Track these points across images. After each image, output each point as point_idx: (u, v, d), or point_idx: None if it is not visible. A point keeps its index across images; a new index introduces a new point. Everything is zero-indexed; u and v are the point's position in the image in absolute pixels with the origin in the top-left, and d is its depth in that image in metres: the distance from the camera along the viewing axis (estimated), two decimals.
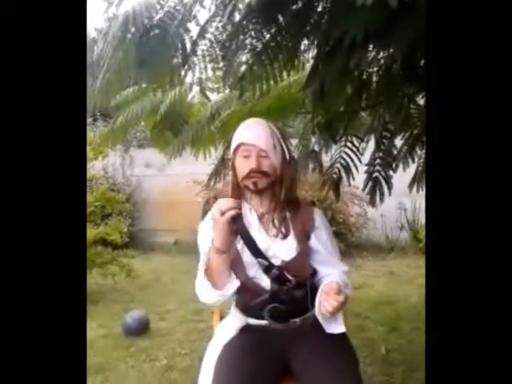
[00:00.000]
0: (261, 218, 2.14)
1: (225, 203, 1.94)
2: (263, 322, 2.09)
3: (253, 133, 2.08)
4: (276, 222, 2.11)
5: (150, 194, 10.23)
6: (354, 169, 3.35)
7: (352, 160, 3.35)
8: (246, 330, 2.11)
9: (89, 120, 10.11)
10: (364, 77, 2.75)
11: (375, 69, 2.76)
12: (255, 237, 2.08)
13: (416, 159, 3.38)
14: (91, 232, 5.81)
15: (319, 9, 2.37)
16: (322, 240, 2.16)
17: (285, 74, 2.69)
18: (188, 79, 2.86)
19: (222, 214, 1.90)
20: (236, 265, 2.07)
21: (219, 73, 2.84)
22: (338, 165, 3.38)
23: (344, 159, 3.37)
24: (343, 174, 3.38)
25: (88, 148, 5.84)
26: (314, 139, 3.43)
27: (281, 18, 2.37)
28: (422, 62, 2.44)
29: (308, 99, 3.12)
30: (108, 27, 2.38)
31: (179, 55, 2.54)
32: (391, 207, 7.90)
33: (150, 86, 3.29)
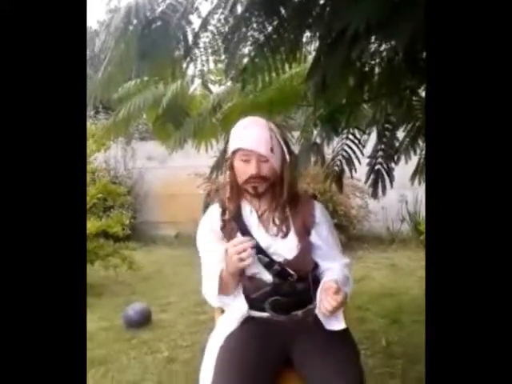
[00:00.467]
0: (260, 216, 2.14)
1: (242, 247, 1.91)
2: (265, 314, 2.10)
3: (252, 137, 2.05)
4: (276, 220, 2.11)
5: (151, 186, 10.21)
6: (356, 161, 3.35)
7: (354, 152, 3.35)
8: (247, 322, 2.11)
9: (91, 113, 10.10)
10: (366, 69, 2.75)
11: (377, 61, 2.76)
12: (255, 235, 2.08)
13: (418, 151, 3.38)
14: (93, 224, 5.82)
15: (321, 1, 2.37)
16: (322, 235, 2.16)
17: (287, 66, 2.69)
18: (190, 71, 2.86)
19: (241, 259, 1.90)
20: None
21: (221, 65, 2.84)
22: (340, 157, 3.39)
23: (346, 151, 3.37)
24: (345, 167, 3.38)
25: (90, 140, 5.84)
26: (315, 131, 3.42)
27: (283, 11, 2.37)
28: (424, 54, 2.44)
29: (310, 91, 3.12)
30: (110, 19, 2.38)
31: (181, 47, 2.53)
32: (393, 199, 7.90)
33: (151, 79, 3.28)
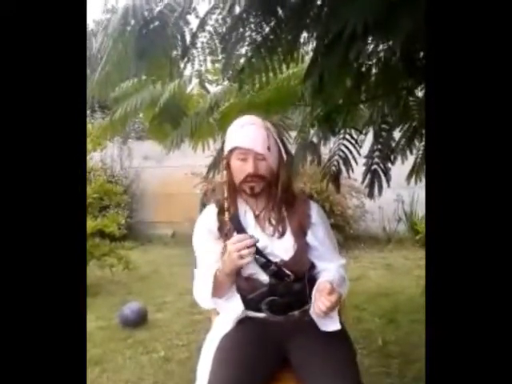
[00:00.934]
0: (257, 216, 2.14)
1: (244, 245, 1.90)
2: (261, 315, 2.10)
3: (249, 136, 2.05)
4: (273, 220, 2.11)
5: (148, 185, 10.21)
6: (352, 161, 3.36)
7: (351, 152, 3.36)
8: (244, 322, 2.11)
9: (87, 112, 10.10)
10: (363, 69, 2.75)
11: (374, 61, 2.76)
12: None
13: (414, 151, 3.40)
14: (89, 224, 5.80)
15: (318, 2, 2.37)
16: (319, 236, 2.16)
17: (284, 66, 2.69)
18: (187, 71, 2.86)
19: (241, 257, 1.89)
20: None
21: (218, 65, 2.84)
22: (337, 157, 3.39)
23: (343, 151, 3.37)
24: (342, 167, 3.38)
25: (87, 139, 5.84)
26: (312, 131, 3.43)
27: (280, 11, 2.37)
28: (421, 54, 2.45)
29: (307, 92, 3.12)
30: (108, 19, 2.39)
31: (179, 47, 2.54)
32: (389, 199, 7.92)
33: (149, 79, 3.28)
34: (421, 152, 3.46)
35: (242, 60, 2.54)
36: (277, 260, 2.06)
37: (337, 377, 1.87)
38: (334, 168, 3.40)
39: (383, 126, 3.31)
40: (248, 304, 2.10)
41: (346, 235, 8.02)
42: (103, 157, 9.73)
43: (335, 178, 3.46)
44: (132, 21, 2.31)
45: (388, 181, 3.32)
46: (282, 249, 2.09)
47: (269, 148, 2.04)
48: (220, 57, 2.58)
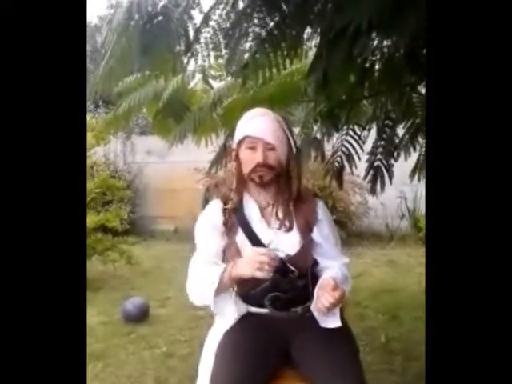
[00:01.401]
0: (263, 210, 2.13)
1: (268, 259, 1.85)
2: (264, 311, 2.09)
3: (259, 125, 2.06)
4: (280, 214, 2.10)
5: (150, 181, 10.21)
6: (355, 157, 3.35)
7: (354, 148, 3.36)
8: (246, 318, 2.10)
9: (91, 107, 10.12)
10: (367, 65, 2.75)
11: (378, 57, 2.76)
12: (257, 230, 2.08)
13: (417, 148, 3.39)
14: (92, 219, 5.82)
15: None
16: (324, 233, 2.16)
17: (288, 62, 2.68)
18: (191, 66, 2.86)
19: (260, 269, 1.84)
20: (235, 259, 2.07)
21: (222, 60, 2.84)
22: (340, 153, 3.39)
23: (346, 147, 3.37)
24: (345, 163, 3.38)
25: (90, 134, 5.84)
26: (316, 127, 3.43)
27: (284, 6, 2.37)
28: (425, 50, 2.44)
29: (310, 87, 3.12)
30: (112, 14, 2.39)
31: (182, 42, 2.54)
32: (392, 196, 7.90)
33: (152, 74, 3.28)
34: (424, 149, 3.45)
35: (246, 55, 2.54)
36: (282, 255, 2.06)
37: (339, 374, 1.87)
38: (337, 164, 3.40)
39: (386, 122, 3.30)
40: (250, 299, 2.10)
41: (349, 232, 8.02)
42: (106, 152, 9.74)
43: (338, 175, 3.46)
44: (136, 15, 2.31)
45: (391, 177, 3.32)
46: (288, 243, 2.08)
47: (280, 140, 2.04)
48: (223, 52, 2.58)
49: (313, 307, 2.00)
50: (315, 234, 2.14)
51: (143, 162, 10.29)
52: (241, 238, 2.08)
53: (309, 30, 2.61)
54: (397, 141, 3.30)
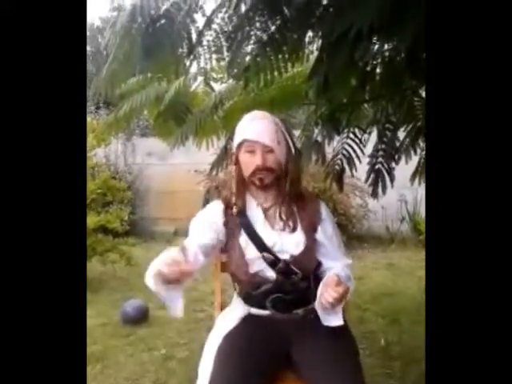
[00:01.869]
0: (266, 212, 2.14)
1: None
2: (265, 312, 2.10)
3: (257, 128, 2.06)
4: (283, 215, 2.10)
5: (151, 182, 10.20)
6: (356, 160, 3.36)
7: (355, 151, 3.36)
8: (247, 319, 2.12)
9: (92, 108, 10.11)
10: (368, 69, 2.76)
11: (379, 61, 2.77)
12: (260, 232, 2.08)
13: (418, 151, 3.39)
14: (92, 219, 5.81)
15: (324, 1, 2.38)
16: (328, 233, 2.17)
17: (289, 65, 2.69)
18: (193, 69, 2.87)
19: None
20: (238, 263, 2.09)
21: (223, 63, 2.85)
22: (341, 156, 3.39)
23: (347, 150, 3.38)
24: (346, 166, 3.39)
25: (91, 135, 5.85)
26: (316, 130, 3.43)
27: (286, 10, 2.38)
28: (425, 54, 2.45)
29: (312, 90, 3.13)
30: (115, 17, 2.40)
31: (185, 45, 2.55)
32: (392, 199, 7.89)
33: (154, 76, 3.29)
34: (425, 152, 3.46)
35: (248, 58, 2.55)
36: (286, 257, 2.06)
37: (339, 376, 1.87)
38: (337, 167, 3.41)
39: (387, 125, 3.31)
40: (252, 300, 2.12)
41: (349, 235, 8.00)
42: (107, 153, 9.72)
43: (339, 177, 3.47)
44: (139, 18, 2.32)
45: (392, 180, 3.32)
46: (292, 244, 2.09)
47: (278, 142, 2.04)
48: (225, 55, 2.59)
49: (316, 305, 1.99)
50: (319, 234, 2.14)
51: (144, 163, 10.28)
52: (244, 239, 2.09)
53: (310, 33, 2.62)
54: (398, 144, 3.31)
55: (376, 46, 2.57)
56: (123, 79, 3.06)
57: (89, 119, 6.79)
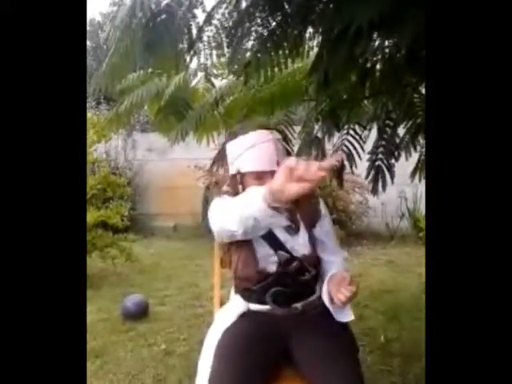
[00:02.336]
0: None
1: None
2: (265, 308, 2.10)
3: (263, 157, 1.99)
4: (286, 215, 2.09)
5: (151, 178, 10.21)
6: (356, 157, 3.36)
7: (355, 148, 3.36)
8: (246, 315, 2.12)
9: (92, 103, 10.12)
10: (368, 65, 2.76)
11: (379, 57, 2.77)
12: (274, 230, 2.06)
13: (418, 148, 3.39)
14: (92, 215, 5.82)
15: None
16: (326, 229, 2.19)
17: (289, 61, 2.69)
18: (193, 65, 2.87)
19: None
20: (249, 259, 2.08)
21: (224, 59, 2.85)
22: (341, 152, 3.39)
23: (347, 147, 3.38)
24: (346, 162, 3.39)
25: (91, 131, 5.86)
26: (317, 126, 3.43)
27: (286, 6, 2.38)
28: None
29: (312, 87, 3.13)
30: (116, 12, 2.40)
31: (185, 41, 2.54)
32: (392, 195, 7.90)
33: (155, 71, 3.30)
34: (425, 149, 3.46)
35: (248, 54, 2.55)
36: (298, 255, 2.08)
37: (338, 372, 1.88)
38: (337, 163, 3.41)
39: (387, 122, 3.31)
40: (252, 296, 2.12)
41: (349, 231, 8.02)
42: (107, 148, 9.74)
43: (338, 174, 3.47)
44: (139, 13, 2.31)
45: (392, 177, 3.32)
46: (300, 243, 2.10)
47: (282, 158, 1.98)
48: (226, 51, 2.59)
49: (327, 302, 2.02)
50: (317, 231, 2.16)
51: (144, 159, 10.30)
52: (257, 238, 2.04)
53: (310, 29, 2.62)
54: (398, 141, 3.31)
55: (376, 43, 2.56)
56: (123, 74, 3.07)
57: (89, 115, 6.80)
